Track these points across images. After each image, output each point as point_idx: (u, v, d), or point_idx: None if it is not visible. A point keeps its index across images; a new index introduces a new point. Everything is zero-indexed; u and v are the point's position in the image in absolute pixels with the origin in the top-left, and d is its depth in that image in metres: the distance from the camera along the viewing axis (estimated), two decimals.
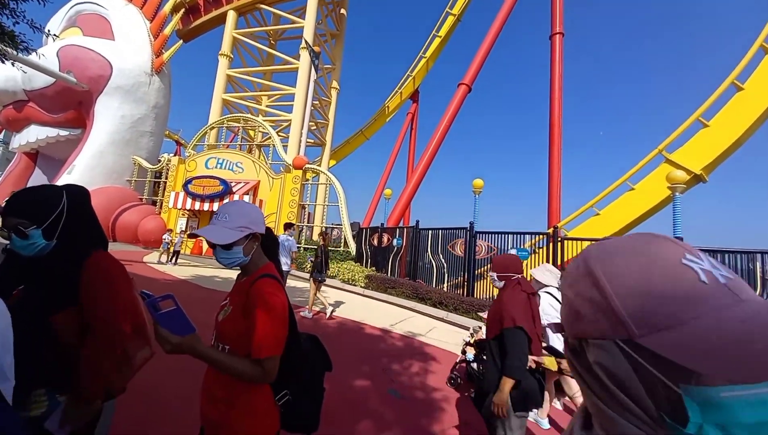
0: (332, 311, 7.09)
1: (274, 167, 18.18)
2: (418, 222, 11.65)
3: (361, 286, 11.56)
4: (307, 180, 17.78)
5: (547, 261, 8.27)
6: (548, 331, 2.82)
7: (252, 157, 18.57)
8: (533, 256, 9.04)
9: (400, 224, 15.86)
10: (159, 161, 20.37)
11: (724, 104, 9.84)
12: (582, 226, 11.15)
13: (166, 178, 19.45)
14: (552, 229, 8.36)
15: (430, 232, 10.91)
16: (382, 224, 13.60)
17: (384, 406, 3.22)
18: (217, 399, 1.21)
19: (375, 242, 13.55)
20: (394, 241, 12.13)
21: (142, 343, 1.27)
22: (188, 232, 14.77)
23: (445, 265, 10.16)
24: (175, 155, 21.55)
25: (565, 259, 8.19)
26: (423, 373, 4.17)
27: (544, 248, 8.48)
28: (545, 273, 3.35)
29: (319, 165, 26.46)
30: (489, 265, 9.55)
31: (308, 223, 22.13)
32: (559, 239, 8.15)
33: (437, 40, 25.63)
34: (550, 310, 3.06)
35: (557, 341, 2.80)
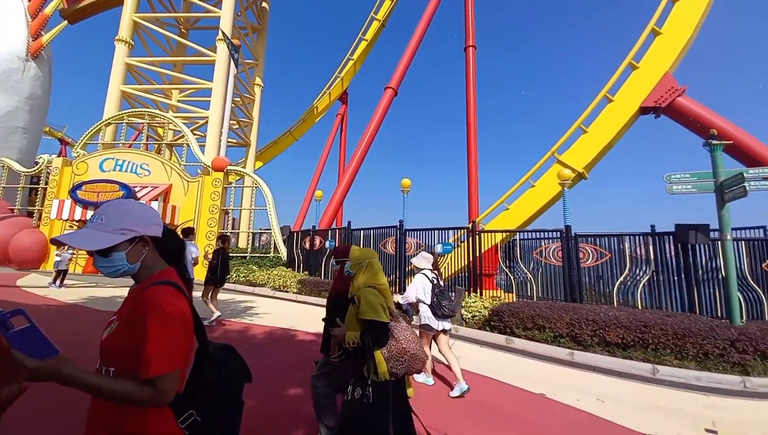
0: (218, 317, 6.78)
1: (189, 169, 16.46)
2: (350, 223, 11.71)
3: (293, 292, 11.18)
4: (230, 183, 16.50)
5: (469, 252, 9.04)
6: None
7: (161, 158, 16.52)
8: (457, 249, 9.74)
9: (333, 226, 15.74)
10: (36, 163, 16.95)
11: (599, 113, 11.94)
12: (496, 220, 12.44)
13: (47, 184, 16.22)
14: (471, 223, 9.14)
15: (362, 232, 11.04)
16: (314, 227, 13.33)
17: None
18: (103, 431, 1.06)
19: (307, 245, 13.22)
20: (327, 244, 12.00)
21: (5, 377, 1.07)
22: (50, 238, 12.47)
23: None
24: (59, 156, 18.13)
25: (483, 249, 9.06)
26: None
27: (466, 241, 9.23)
28: (421, 260, 4.34)
29: (244, 166, 24.79)
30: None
31: (233, 229, 20.58)
32: (477, 232, 8.97)
33: (363, 44, 26.00)
34: (421, 287, 4.13)
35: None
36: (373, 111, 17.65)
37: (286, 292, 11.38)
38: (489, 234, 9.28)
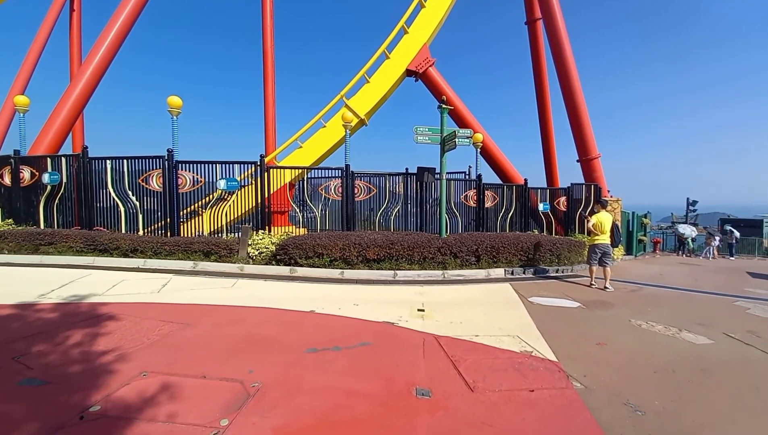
0: None
1: None
2: (86, 148, 8.44)
3: None
4: None
5: (257, 188, 8.62)
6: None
7: None
8: (249, 187, 9.03)
9: (60, 153, 10.89)
10: None
11: (380, 65, 13.41)
12: (290, 157, 12.36)
13: None
14: (260, 157, 8.63)
15: (108, 162, 8.24)
16: (17, 152, 8.78)
17: (11, 403, 2.29)
18: None
19: (6, 180, 8.69)
20: (46, 177, 8.27)
21: None
22: None
23: (137, 204, 8.22)
24: None
25: (274, 187, 8.88)
26: (89, 342, 3.32)
27: (258, 178, 8.67)
28: None
29: None
30: (202, 202, 8.70)
31: None
32: (266, 168, 8.61)
33: None
34: None
35: None
36: None
37: None
38: (279, 171, 9.13)
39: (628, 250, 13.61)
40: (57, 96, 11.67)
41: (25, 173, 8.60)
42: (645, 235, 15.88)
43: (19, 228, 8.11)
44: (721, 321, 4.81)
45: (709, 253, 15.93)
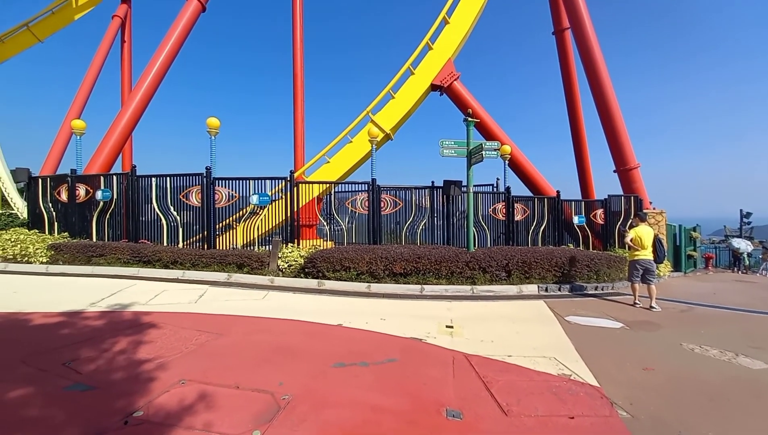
0: None
1: None
2: (134, 167, 9.16)
3: (42, 262, 8.08)
4: None
5: (286, 202, 8.92)
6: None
7: None
8: (279, 201, 9.36)
9: (112, 171, 11.90)
10: None
11: (405, 81, 13.65)
12: (318, 172, 12.72)
13: None
14: (289, 173, 8.95)
15: (153, 179, 8.87)
16: (74, 171, 9.68)
17: (55, 407, 2.46)
18: None
19: (63, 197, 9.56)
20: (99, 194, 9.04)
21: None
22: None
23: (178, 218, 8.75)
24: None
25: (303, 201, 9.14)
26: (132, 349, 3.52)
27: (288, 192, 8.99)
28: None
29: None
30: (236, 216, 9.12)
31: None
32: (295, 183, 8.91)
33: None
34: None
35: None
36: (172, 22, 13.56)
37: (29, 262, 8.09)
38: (308, 185, 9.41)
39: (677, 266, 12.61)
40: (109, 111, 12.84)
41: (81, 190, 9.43)
42: (695, 250, 14.66)
43: (74, 241, 8.85)
44: None
45: (767, 270, 14.44)
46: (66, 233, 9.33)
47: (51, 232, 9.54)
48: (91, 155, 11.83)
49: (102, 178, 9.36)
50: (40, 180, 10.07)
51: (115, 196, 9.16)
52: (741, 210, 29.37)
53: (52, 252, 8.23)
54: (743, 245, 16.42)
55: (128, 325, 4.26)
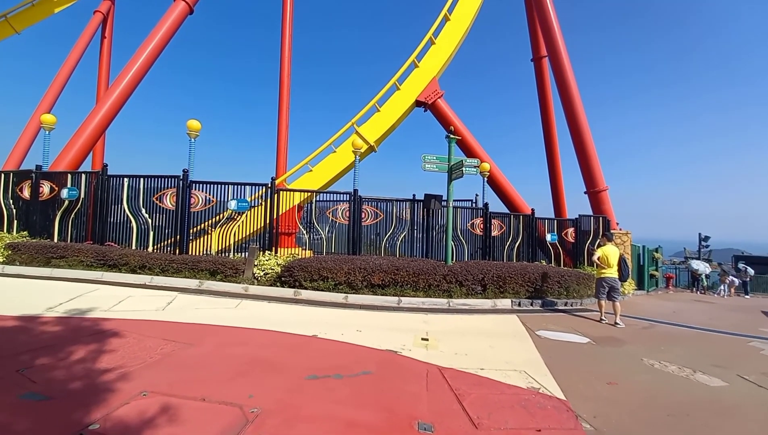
0: None
1: None
2: (106, 166, 8.78)
3: None
4: None
5: (266, 209, 8.78)
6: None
7: None
8: (258, 207, 9.18)
9: (80, 169, 11.34)
10: None
11: (391, 96, 13.94)
12: (300, 180, 12.65)
13: None
14: (270, 180, 8.84)
15: (126, 180, 8.53)
16: (39, 167, 9.16)
17: (12, 416, 2.28)
18: None
19: (26, 194, 9.01)
20: (65, 193, 8.57)
21: None
22: None
23: (149, 221, 8.41)
24: None
25: (283, 208, 9.02)
26: (91, 358, 3.33)
27: (268, 199, 8.85)
28: None
29: None
30: (212, 221, 8.87)
31: None
32: (276, 190, 8.81)
33: None
34: None
35: None
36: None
37: None
38: (289, 193, 9.32)
39: (640, 285, 13.27)
40: (81, 109, 12.30)
41: (45, 188, 8.92)
42: (657, 270, 15.52)
43: (33, 240, 8.31)
44: (735, 362, 4.62)
45: (724, 291, 15.45)
46: (26, 232, 8.76)
47: (10, 231, 8.92)
48: (59, 152, 11.26)
49: (70, 175, 8.90)
50: (2, 175, 9.45)
51: (82, 196, 8.71)
52: (700, 234, 31.44)
53: (9, 251, 7.70)
54: (702, 267, 17.52)
55: (88, 333, 4.02)
